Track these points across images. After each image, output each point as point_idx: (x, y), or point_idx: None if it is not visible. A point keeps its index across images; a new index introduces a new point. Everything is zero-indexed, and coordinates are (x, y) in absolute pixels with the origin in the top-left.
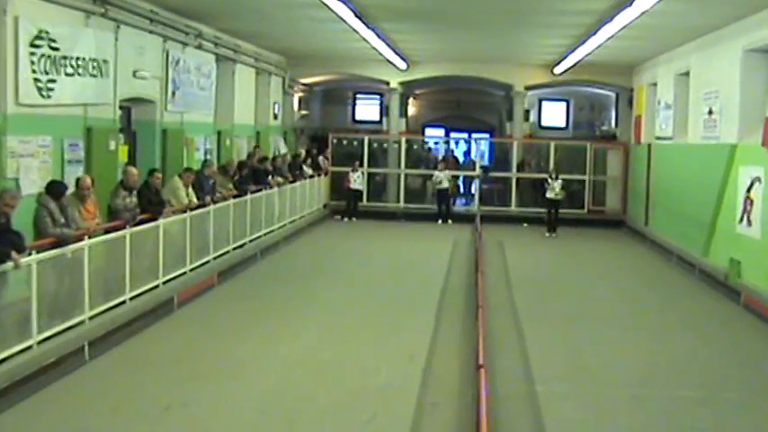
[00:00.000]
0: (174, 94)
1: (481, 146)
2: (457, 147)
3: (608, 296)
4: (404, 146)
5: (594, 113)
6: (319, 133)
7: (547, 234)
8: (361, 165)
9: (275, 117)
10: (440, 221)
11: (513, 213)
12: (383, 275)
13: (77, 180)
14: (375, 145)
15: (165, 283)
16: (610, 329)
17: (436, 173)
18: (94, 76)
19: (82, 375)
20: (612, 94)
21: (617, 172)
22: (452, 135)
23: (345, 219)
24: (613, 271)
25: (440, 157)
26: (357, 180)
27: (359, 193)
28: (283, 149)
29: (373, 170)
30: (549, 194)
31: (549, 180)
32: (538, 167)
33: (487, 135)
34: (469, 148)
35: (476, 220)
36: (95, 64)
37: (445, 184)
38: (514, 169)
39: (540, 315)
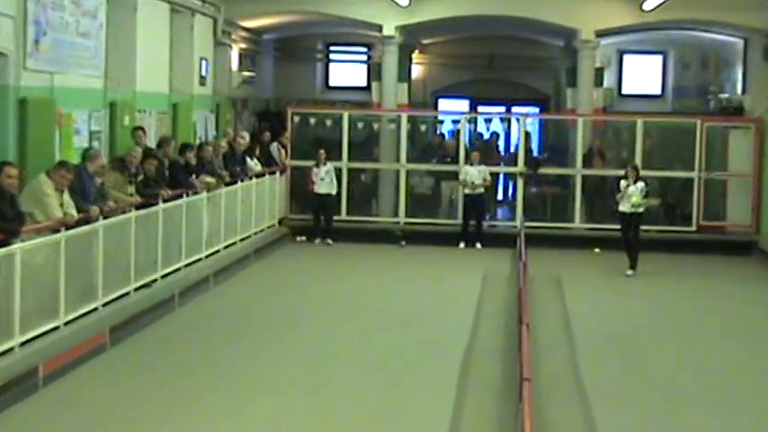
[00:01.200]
0: (37, 42)
1: (526, 125)
2: (488, 128)
3: (732, 367)
4: (405, 127)
5: (708, 73)
6: (273, 107)
7: (629, 272)
8: (331, 156)
9: (202, 82)
10: (462, 245)
11: (578, 232)
12: (372, 331)
13: None
14: (360, 126)
15: (24, 344)
16: (736, 422)
17: (467, 168)
18: None
19: None
20: (738, 42)
21: (744, 166)
22: (482, 110)
23: (317, 241)
24: (740, 326)
25: (453, 141)
26: (324, 179)
27: (328, 199)
28: (213, 133)
29: (357, 165)
30: (622, 206)
31: (623, 182)
32: (617, 160)
33: (537, 109)
34: (508, 132)
35: (518, 244)
36: None
37: (480, 188)
38: (579, 163)
39: (622, 396)
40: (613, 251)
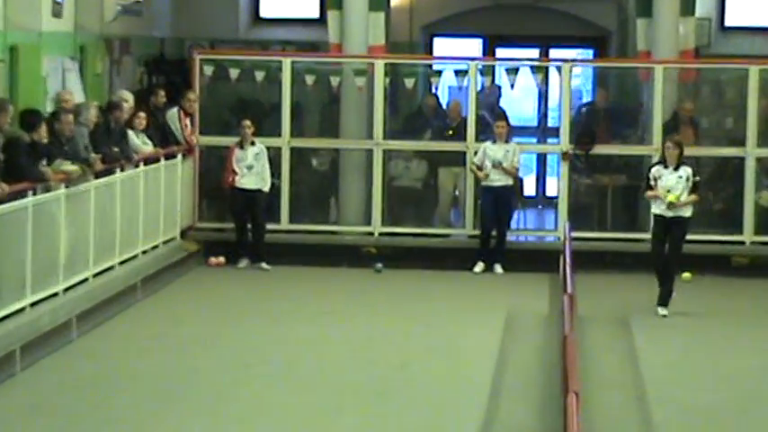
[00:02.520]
0: None
1: (570, 76)
2: (513, 85)
3: None
4: (382, 82)
5: None
6: (170, 52)
7: (660, 310)
8: (263, 129)
9: (57, 12)
10: (480, 267)
11: None
12: (334, 410)
13: None
14: (309, 81)
15: None
16: None
17: (487, 146)
18: None
19: None
20: None
21: None
22: (502, 54)
23: (243, 263)
24: None
25: (458, 103)
26: (252, 167)
27: (259, 198)
28: (78, 94)
29: (305, 143)
30: (657, 207)
31: (656, 169)
32: (718, 131)
33: (590, 53)
34: (544, 89)
35: (561, 266)
36: None
37: (505, 178)
38: (656, 137)
39: None
40: (713, 276)
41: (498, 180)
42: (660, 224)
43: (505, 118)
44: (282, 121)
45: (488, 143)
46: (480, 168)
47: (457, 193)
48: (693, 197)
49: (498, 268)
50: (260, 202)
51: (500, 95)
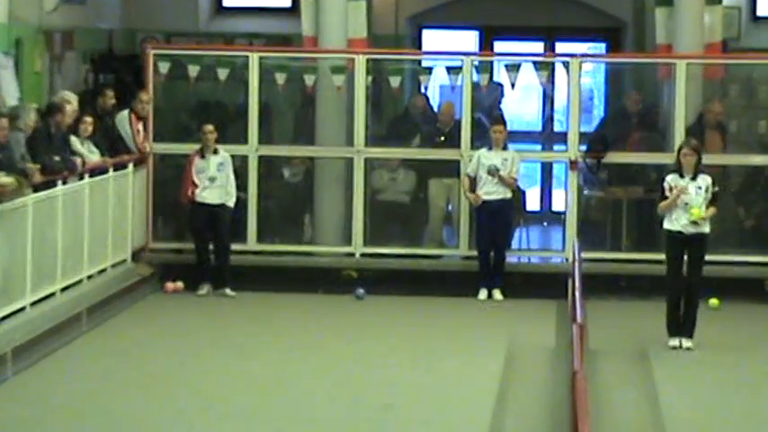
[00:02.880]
0: None
1: (579, 74)
2: (513, 84)
3: None
4: (363, 81)
5: None
6: (120, 46)
7: (684, 342)
8: (227, 135)
9: None
10: (483, 294)
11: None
12: None
13: None
14: (280, 80)
15: None
16: None
17: (482, 152)
18: None
19: None
20: None
21: None
22: (500, 48)
23: (204, 289)
24: None
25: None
26: (215, 179)
27: (222, 214)
28: (13, 94)
29: (276, 152)
30: (671, 222)
31: (670, 178)
32: (749, 136)
33: (602, 47)
34: (549, 88)
35: (569, 291)
36: None
37: (502, 190)
38: (676, 144)
39: None
40: (744, 303)
41: (495, 192)
42: (677, 242)
43: (503, 121)
44: (249, 125)
45: (483, 150)
46: (474, 181)
47: (450, 208)
48: (713, 210)
49: (497, 294)
50: (224, 219)
51: (502, 95)
